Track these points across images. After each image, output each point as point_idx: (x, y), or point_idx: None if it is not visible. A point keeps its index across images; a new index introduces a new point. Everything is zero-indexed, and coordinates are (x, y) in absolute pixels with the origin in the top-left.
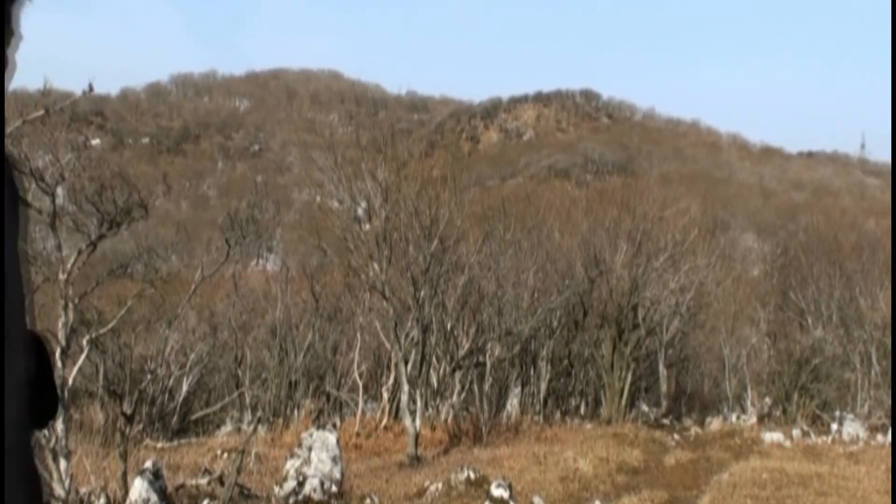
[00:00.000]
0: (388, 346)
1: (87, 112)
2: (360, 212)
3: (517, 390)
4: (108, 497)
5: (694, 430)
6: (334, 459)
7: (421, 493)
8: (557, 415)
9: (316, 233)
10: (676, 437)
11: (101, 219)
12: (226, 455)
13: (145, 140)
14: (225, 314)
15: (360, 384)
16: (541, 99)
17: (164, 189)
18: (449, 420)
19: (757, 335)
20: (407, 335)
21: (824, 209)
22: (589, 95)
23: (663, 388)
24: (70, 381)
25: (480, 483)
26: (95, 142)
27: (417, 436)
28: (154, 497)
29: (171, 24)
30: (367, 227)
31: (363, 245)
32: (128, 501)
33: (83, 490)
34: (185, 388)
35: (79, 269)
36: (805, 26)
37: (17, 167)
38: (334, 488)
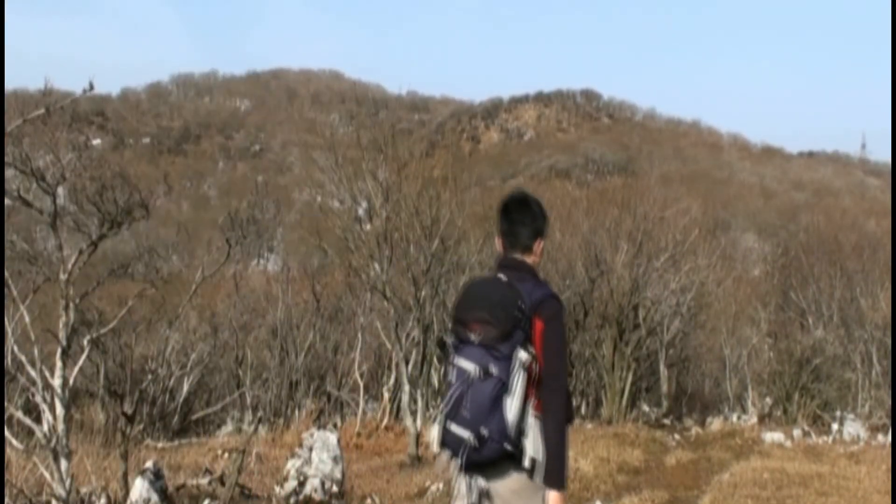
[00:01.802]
0: (388, 346)
1: (88, 112)
2: (360, 212)
3: None
4: (108, 497)
5: (695, 430)
6: (335, 459)
7: (422, 493)
8: None
9: (317, 233)
10: (677, 437)
11: (102, 219)
12: (227, 455)
13: (146, 140)
14: (226, 314)
15: (361, 384)
16: (541, 99)
17: (164, 189)
18: None
19: (758, 335)
20: (408, 335)
21: (825, 209)
22: (590, 95)
23: (664, 388)
24: (71, 381)
25: None
26: (96, 142)
27: (418, 436)
28: (155, 497)
29: (171, 24)
30: (368, 227)
31: (364, 245)
32: (128, 501)
33: (84, 490)
34: (185, 388)
35: (80, 269)
36: (806, 27)
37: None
38: (335, 488)
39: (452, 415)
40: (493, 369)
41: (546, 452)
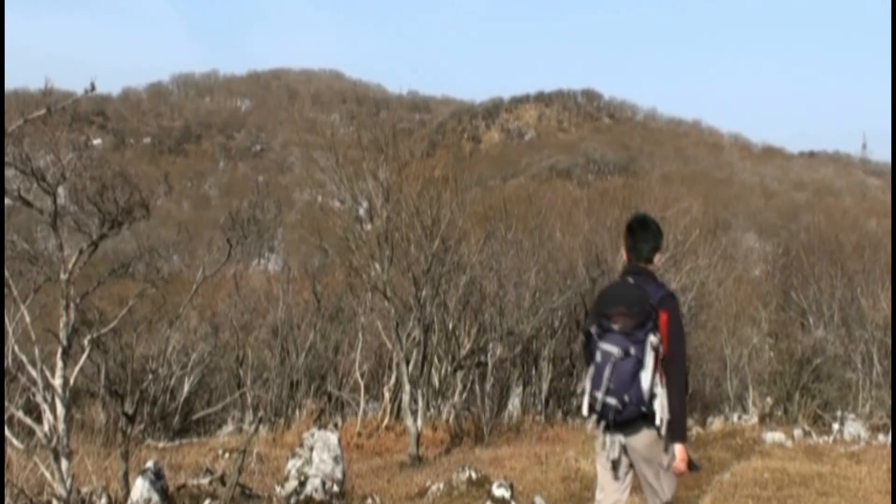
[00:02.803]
0: (389, 345)
1: (89, 112)
2: (361, 212)
3: (519, 390)
4: (109, 497)
5: (695, 429)
6: (336, 459)
7: (422, 493)
8: (559, 415)
9: (317, 233)
10: None
11: (103, 219)
12: (227, 455)
13: (147, 140)
14: (226, 314)
15: (362, 384)
16: (542, 99)
17: (165, 189)
18: (450, 420)
19: (758, 335)
20: (408, 335)
21: (826, 209)
22: (590, 95)
23: None
24: (71, 381)
25: (482, 483)
26: (97, 141)
27: (419, 436)
28: (155, 497)
29: (172, 24)
30: (369, 226)
31: (364, 245)
32: (129, 501)
33: (84, 490)
34: (186, 387)
35: (80, 269)
36: (807, 27)
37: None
38: (336, 488)
39: (598, 386)
40: (632, 350)
41: (671, 414)
